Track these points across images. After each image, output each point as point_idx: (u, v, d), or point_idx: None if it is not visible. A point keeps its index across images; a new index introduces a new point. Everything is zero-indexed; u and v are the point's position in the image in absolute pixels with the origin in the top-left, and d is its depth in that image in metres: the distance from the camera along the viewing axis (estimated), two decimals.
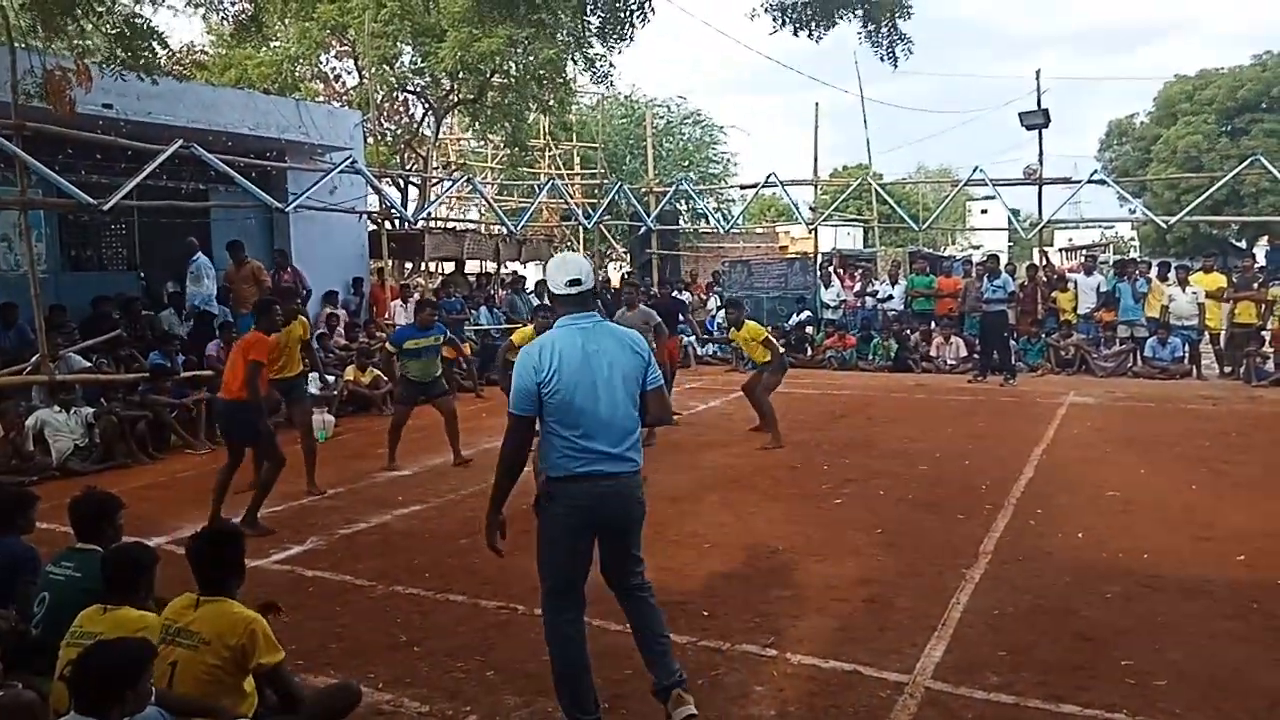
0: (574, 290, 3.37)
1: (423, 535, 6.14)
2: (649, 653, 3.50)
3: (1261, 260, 23.62)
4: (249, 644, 3.05)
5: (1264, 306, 13.15)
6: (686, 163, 29.38)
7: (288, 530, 6.31)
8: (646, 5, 8.23)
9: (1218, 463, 7.78)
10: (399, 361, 8.68)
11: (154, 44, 9.58)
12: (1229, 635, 4.24)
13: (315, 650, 4.21)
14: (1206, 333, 13.73)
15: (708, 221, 23.85)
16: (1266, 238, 31.84)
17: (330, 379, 11.11)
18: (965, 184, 18.09)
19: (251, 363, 6.31)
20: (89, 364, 9.54)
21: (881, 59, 8.25)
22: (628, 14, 8.26)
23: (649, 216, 18.21)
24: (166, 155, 9.84)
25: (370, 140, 15.84)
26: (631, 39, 8.50)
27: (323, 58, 20.91)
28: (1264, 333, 13.23)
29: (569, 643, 3.40)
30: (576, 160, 25.31)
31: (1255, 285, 13.77)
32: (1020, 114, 15.79)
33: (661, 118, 28.80)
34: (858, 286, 17.16)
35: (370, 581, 5.21)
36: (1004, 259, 16.04)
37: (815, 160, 17.96)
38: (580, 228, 22.92)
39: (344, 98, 21.69)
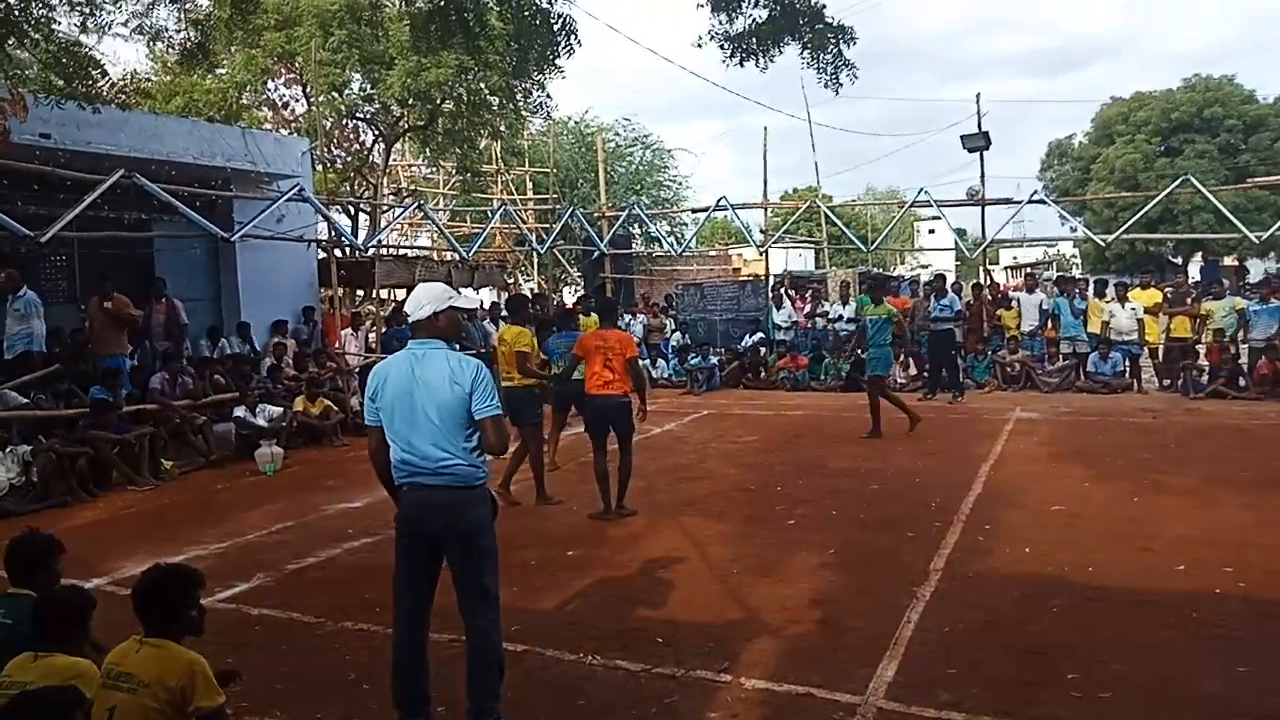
0: (408, 319, 3.77)
1: (373, 568, 6.01)
2: (468, 683, 3.65)
3: (1195, 275, 24.43)
4: (188, 686, 2.95)
5: (1198, 320, 13.57)
6: (638, 186, 29.60)
7: (233, 567, 6.17)
8: (573, 37, 8.32)
9: (1158, 474, 7.98)
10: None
11: (93, 72, 9.46)
12: (1171, 645, 4.34)
13: (261, 692, 4.11)
14: (1145, 347, 14.11)
15: (661, 245, 24.02)
16: (1200, 254, 33.01)
17: (279, 410, 10.94)
18: (911, 205, 18.47)
19: (631, 359, 7.11)
20: (26, 400, 9.28)
21: (825, 85, 8.41)
22: (555, 45, 8.34)
23: (602, 241, 18.28)
24: (107, 185, 9.65)
25: (320, 167, 15.72)
26: (559, 69, 8.63)
27: (270, 85, 20.75)
28: (1199, 346, 13.65)
29: (399, 637, 3.70)
30: (529, 185, 25.35)
31: (1189, 300, 14.22)
32: (962, 136, 16.18)
33: (611, 141, 29.00)
34: (809, 308, 17.35)
35: (318, 618, 5.12)
36: (951, 278, 16.38)
37: (765, 183, 18.27)
38: (534, 252, 22.95)
39: (292, 125, 21.51)
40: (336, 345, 13.66)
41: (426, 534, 3.63)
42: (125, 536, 7.23)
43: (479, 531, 3.66)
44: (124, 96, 13.13)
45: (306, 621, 5.10)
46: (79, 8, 9.49)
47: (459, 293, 4.00)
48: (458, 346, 3.93)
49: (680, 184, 32.05)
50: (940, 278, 14.58)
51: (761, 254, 19.39)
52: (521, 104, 19.02)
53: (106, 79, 11.24)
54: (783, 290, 18.16)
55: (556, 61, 8.66)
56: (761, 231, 19.66)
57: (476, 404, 3.58)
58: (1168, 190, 15.16)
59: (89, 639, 3.30)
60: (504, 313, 8.43)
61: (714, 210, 18.91)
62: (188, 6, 9.97)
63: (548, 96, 19.01)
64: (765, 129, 36.24)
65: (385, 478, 3.77)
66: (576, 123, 30.40)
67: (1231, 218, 13.86)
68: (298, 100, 22.22)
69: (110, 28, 10.18)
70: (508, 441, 3.86)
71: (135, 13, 10.31)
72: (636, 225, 21.95)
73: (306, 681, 4.30)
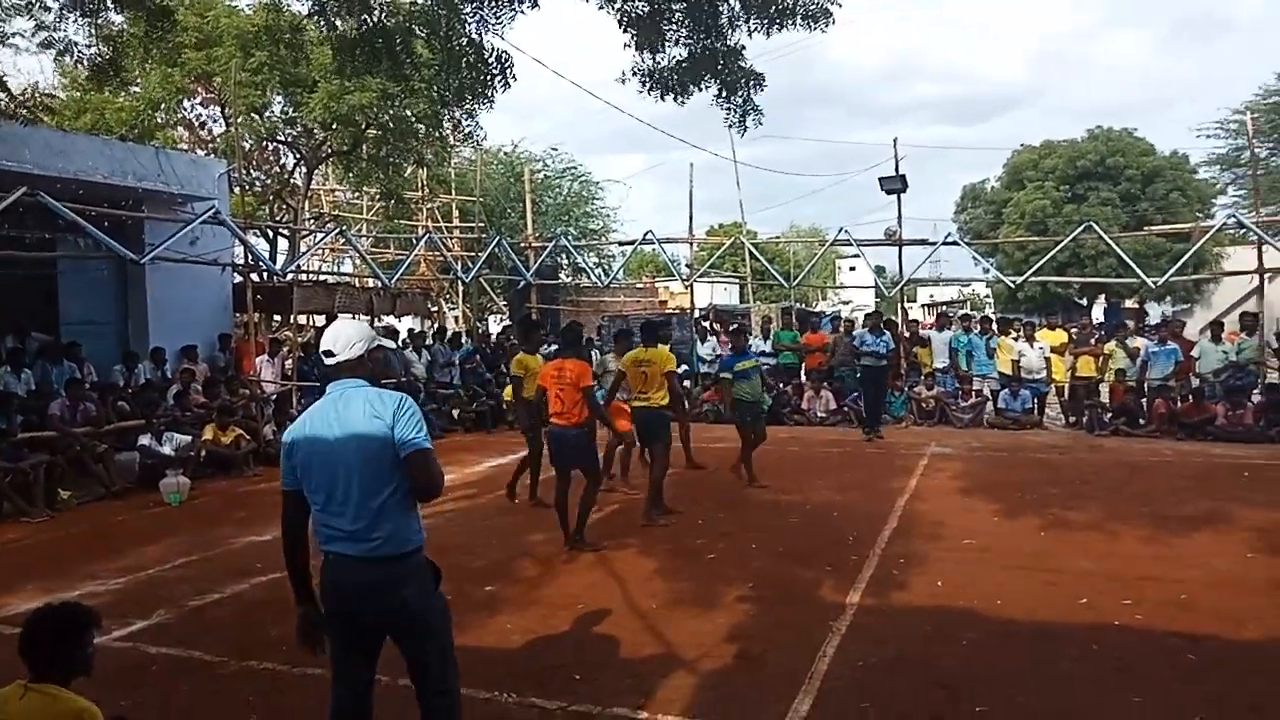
0: (329, 361, 3.26)
1: (281, 604, 5.73)
2: None
3: (1100, 317, 25.54)
4: None
5: (1102, 360, 14.16)
6: (566, 217, 29.64)
7: (131, 603, 5.90)
8: (508, 72, 8.38)
9: (1063, 509, 8.24)
10: (732, 387, 9.60)
11: None
12: (1073, 677, 4.47)
13: None
14: (1052, 385, 14.65)
15: (588, 276, 24.07)
16: (1104, 296, 34.55)
17: (187, 438, 10.54)
18: (832, 244, 18.92)
19: (585, 389, 7.01)
20: None
21: (732, 125, 8.67)
22: (489, 79, 8.38)
23: (528, 271, 18.23)
24: (9, 202, 9.27)
25: (238, 190, 15.34)
26: (491, 101, 8.66)
27: (187, 104, 20.21)
28: (1101, 385, 14.23)
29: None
30: (455, 213, 25.18)
31: (1093, 340, 14.83)
32: (880, 179, 16.65)
33: (540, 172, 29.02)
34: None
35: (221, 657, 4.91)
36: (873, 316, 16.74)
37: (690, 219, 18.41)
38: (459, 281, 22.75)
39: (210, 146, 20.97)
40: (251, 372, 13.27)
41: (351, 616, 3.12)
42: (14, 571, 6.84)
43: (422, 615, 3.14)
44: (25, 111, 12.63)
45: (208, 660, 4.89)
46: None
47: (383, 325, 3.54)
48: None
49: (609, 215, 32.24)
50: (876, 314, 14.85)
51: (687, 287, 19.58)
52: (450, 132, 18.95)
53: (6, 93, 10.81)
54: (707, 324, 18.34)
55: (490, 95, 8.66)
56: (687, 265, 19.87)
57: (400, 436, 3.05)
58: (1072, 235, 15.85)
59: None
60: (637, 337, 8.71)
61: (640, 244, 19.04)
62: (99, 21, 9.66)
63: (477, 125, 19.01)
64: (691, 165, 36.57)
65: (290, 555, 3.20)
66: (507, 153, 30.38)
67: (1131, 263, 14.53)
68: (216, 121, 21.70)
69: (7, 39, 9.82)
70: (439, 483, 3.16)
71: (41, 25, 9.97)
72: (564, 256, 22.00)
73: None
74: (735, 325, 11.24)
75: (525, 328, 9.67)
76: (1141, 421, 13.22)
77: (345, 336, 3.28)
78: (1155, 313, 26.77)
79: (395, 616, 3.09)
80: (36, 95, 17.21)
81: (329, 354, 3.26)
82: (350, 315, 18.08)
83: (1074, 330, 15.87)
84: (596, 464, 7.38)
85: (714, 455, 10.87)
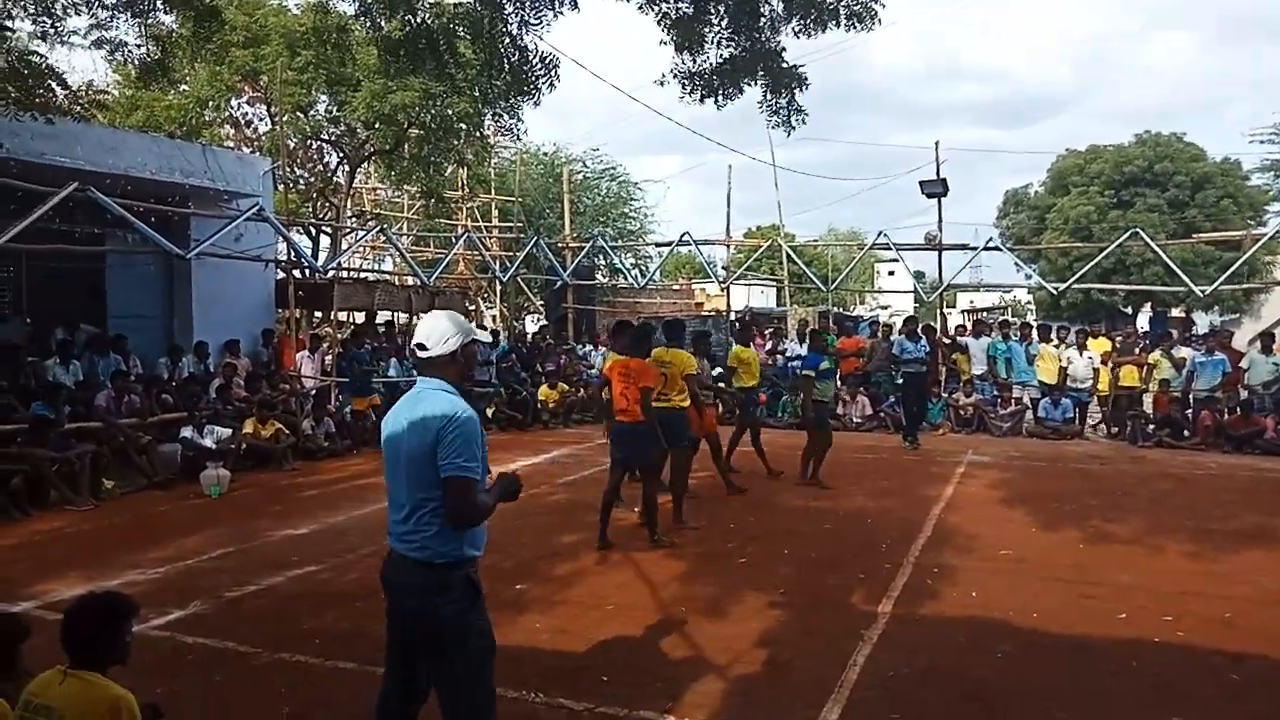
0: (420, 355, 3.16)
1: (315, 598, 5.90)
2: None
3: (1145, 325, 25.04)
4: None
5: (1146, 370, 13.88)
6: (604, 218, 29.70)
7: (169, 593, 6.00)
8: (553, 73, 8.42)
9: (1103, 521, 8.09)
10: (815, 387, 9.78)
11: (52, 83, 9.30)
12: (1110, 693, 4.38)
13: None
14: (1095, 395, 14.37)
15: (624, 277, 24.10)
16: (1150, 304, 33.86)
17: (227, 432, 10.71)
18: (871, 247, 18.77)
19: (644, 389, 7.18)
20: None
21: (776, 126, 8.65)
22: (532, 79, 8.43)
23: (565, 271, 18.29)
24: (60, 198, 9.48)
25: (281, 187, 15.55)
26: (537, 101, 8.72)
27: (234, 102, 20.55)
28: (1145, 395, 13.94)
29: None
30: (494, 213, 25.35)
31: (1137, 350, 14.53)
32: (921, 183, 16.49)
33: (579, 173, 29.12)
34: (769, 345, 17.46)
35: (255, 648, 4.97)
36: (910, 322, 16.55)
37: (728, 221, 18.40)
38: (496, 280, 22.90)
39: (255, 143, 21.31)
40: (291, 368, 13.45)
41: (393, 612, 3.15)
42: (58, 558, 7.00)
43: (454, 628, 3.04)
44: (79, 107, 12.92)
45: (242, 651, 4.96)
46: (39, 19, 9.36)
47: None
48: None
49: (646, 216, 32.26)
50: (912, 319, 14.73)
51: (723, 290, 19.51)
52: (492, 130, 19.00)
53: (67, 91, 11.05)
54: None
55: (535, 95, 8.71)
56: (724, 268, 19.80)
57: (440, 457, 2.96)
58: (1118, 242, 15.56)
59: (19, 668, 3.17)
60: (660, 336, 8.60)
61: (677, 245, 19.03)
62: (149, 21, 9.85)
63: (519, 121, 19.08)
64: (730, 167, 36.65)
65: None
66: (546, 154, 30.53)
67: (1179, 271, 14.24)
68: (262, 119, 22.04)
69: (69, 37, 10.05)
70: (472, 515, 3.04)
71: (97, 24, 10.18)
72: (600, 256, 22.05)
73: (238, 714, 4.18)
74: (802, 327, 11.68)
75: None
76: (1186, 433, 12.94)
77: (439, 330, 3.14)
78: (1203, 322, 26.19)
79: (430, 620, 3.02)
80: (90, 92, 17.58)
81: (421, 347, 3.14)
82: (391, 312, 18.30)
83: (1118, 339, 15.55)
84: (651, 460, 7.47)
85: (746, 459, 10.81)
